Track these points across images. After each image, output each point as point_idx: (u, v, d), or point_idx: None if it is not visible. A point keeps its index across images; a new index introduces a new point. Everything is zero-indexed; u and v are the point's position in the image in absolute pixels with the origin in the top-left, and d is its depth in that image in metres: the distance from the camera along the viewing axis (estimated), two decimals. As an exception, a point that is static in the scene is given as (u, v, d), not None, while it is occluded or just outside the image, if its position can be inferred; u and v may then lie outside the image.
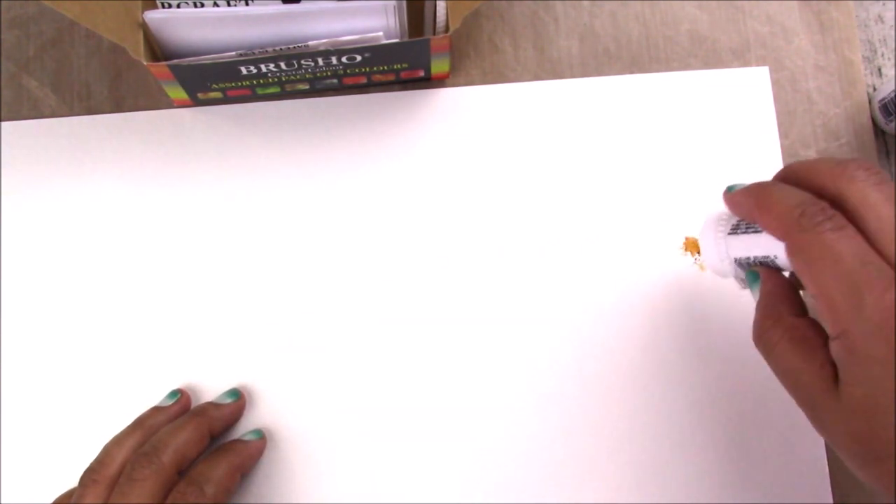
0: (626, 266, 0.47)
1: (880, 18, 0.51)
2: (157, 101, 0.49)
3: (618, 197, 0.48)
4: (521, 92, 0.49)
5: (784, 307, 0.35)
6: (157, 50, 0.45)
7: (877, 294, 0.29)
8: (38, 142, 0.48)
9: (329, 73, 0.46)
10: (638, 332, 0.47)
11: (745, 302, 0.47)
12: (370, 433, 0.45)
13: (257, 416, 0.45)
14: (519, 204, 0.48)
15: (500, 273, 0.47)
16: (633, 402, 0.46)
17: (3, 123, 0.48)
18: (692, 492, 0.45)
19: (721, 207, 0.38)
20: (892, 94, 0.47)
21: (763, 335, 0.35)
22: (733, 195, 0.36)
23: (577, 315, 0.47)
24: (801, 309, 0.35)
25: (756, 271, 0.36)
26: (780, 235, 0.33)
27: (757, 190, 0.34)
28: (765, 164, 0.49)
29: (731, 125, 0.49)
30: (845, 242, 0.30)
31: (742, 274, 0.38)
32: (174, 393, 0.45)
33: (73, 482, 0.41)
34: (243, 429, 0.45)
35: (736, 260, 0.37)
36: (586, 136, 0.49)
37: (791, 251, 0.32)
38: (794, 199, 0.32)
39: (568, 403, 0.46)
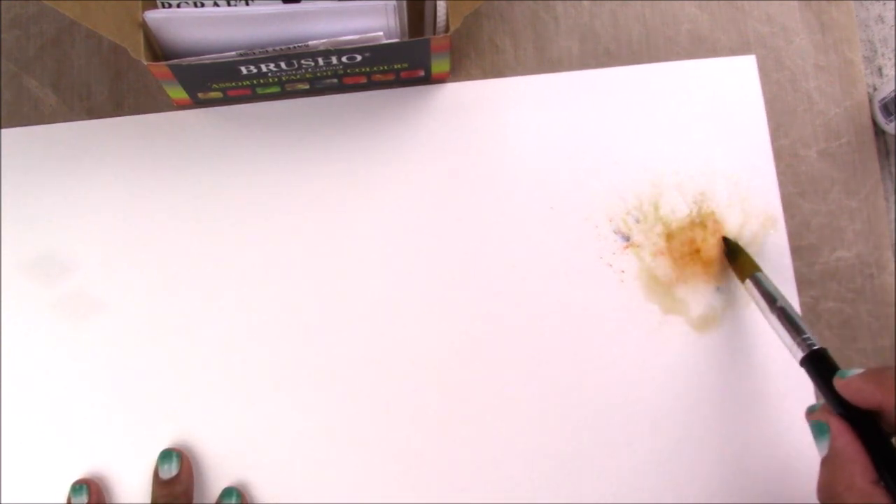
0: (625, 257, 0.47)
1: (880, 18, 0.51)
2: (157, 101, 0.49)
3: (611, 187, 0.48)
4: (519, 86, 0.50)
5: (856, 470, 0.33)
6: (158, 50, 0.45)
7: None
8: (38, 146, 0.48)
9: (329, 73, 0.46)
10: (639, 329, 0.47)
11: (752, 303, 0.47)
12: (369, 437, 0.45)
13: (262, 412, 0.46)
14: (520, 200, 0.48)
15: (501, 272, 0.47)
16: (633, 401, 0.46)
17: (4, 130, 0.48)
18: (692, 492, 0.45)
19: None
20: (893, 94, 0.47)
21: (834, 499, 0.33)
22: (850, 384, 0.35)
23: (577, 310, 0.47)
24: (873, 475, 0.33)
25: (825, 422, 0.35)
26: None
27: (880, 376, 0.34)
28: (753, 151, 0.49)
29: (721, 114, 0.49)
30: None
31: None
32: (79, 487, 0.43)
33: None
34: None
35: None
36: (582, 127, 0.49)
37: None
38: None
39: (568, 404, 0.46)
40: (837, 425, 0.35)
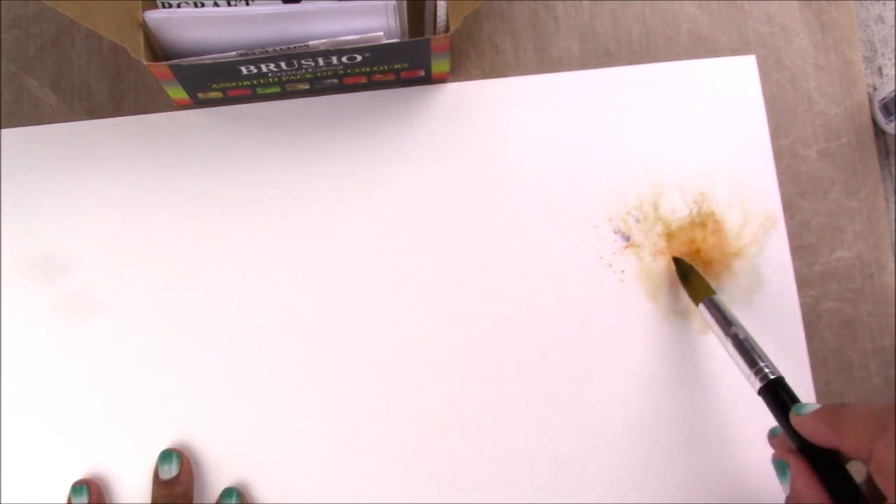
0: (625, 257, 0.47)
1: (880, 18, 0.51)
2: (157, 101, 0.49)
3: (611, 187, 0.48)
4: (519, 86, 0.49)
5: None
6: (158, 50, 0.45)
7: None
8: (38, 146, 0.48)
9: (329, 73, 0.46)
10: (639, 329, 0.47)
11: (753, 304, 0.47)
12: (369, 437, 0.45)
13: (262, 412, 0.46)
14: (520, 200, 0.48)
15: (501, 272, 0.47)
16: (634, 401, 0.46)
17: (4, 130, 0.48)
18: (694, 492, 0.45)
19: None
20: (893, 94, 0.47)
21: None
22: (805, 423, 0.35)
23: (577, 310, 0.47)
24: None
25: (785, 461, 0.35)
26: (864, 456, 0.32)
27: (832, 416, 0.33)
28: (753, 151, 0.49)
29: (721, 114, 0.49)
30: None
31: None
32: (79, 488, 0.43)
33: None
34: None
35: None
36: (582, 127, 0.49)
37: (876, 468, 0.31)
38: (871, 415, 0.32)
39: (568, 404, 0.46)
40: (796, 465, 0.34)
